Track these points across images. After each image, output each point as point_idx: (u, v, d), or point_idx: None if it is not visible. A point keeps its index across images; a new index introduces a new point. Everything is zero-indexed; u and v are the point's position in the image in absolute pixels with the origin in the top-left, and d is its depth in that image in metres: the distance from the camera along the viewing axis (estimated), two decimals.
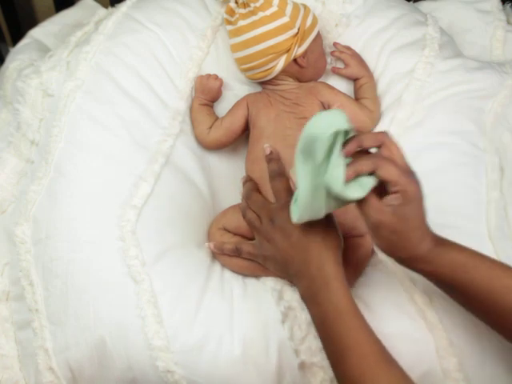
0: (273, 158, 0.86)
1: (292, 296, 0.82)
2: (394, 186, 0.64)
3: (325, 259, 0.73)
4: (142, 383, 0.80)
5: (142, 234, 0.85)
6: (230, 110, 1.01)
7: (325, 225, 0.74)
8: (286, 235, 0.76)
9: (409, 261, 0.70)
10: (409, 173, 0.66)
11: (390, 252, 0.70)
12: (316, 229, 0.74)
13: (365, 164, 0.64)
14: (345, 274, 0.73)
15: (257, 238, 0.83)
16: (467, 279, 0.68)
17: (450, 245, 0.70)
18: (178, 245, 0.87)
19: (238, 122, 0.99)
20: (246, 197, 0.87)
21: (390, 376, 0.65)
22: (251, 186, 0.90)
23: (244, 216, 0.86)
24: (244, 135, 1.00)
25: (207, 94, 1.01)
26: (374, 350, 0.67)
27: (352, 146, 0.65)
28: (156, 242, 0.85)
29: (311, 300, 0.73)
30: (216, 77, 1.02)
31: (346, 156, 0.65)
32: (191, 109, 1.01)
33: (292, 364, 0.78)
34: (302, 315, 0.79)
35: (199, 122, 1.00)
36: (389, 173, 0.64)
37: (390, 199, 0.65)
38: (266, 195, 0.90)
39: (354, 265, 0.86)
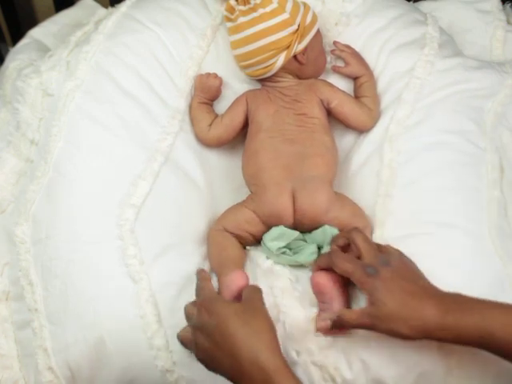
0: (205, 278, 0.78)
1: (291, 296, 0.82)
2: (357, 283, 0.74)
3: (256, 349, 0.64)
4: (141, 382, 0.80)
5: (141, 233, 0.85)
6: (230, 107, 1.01)
7: (248, 308, 0.70)
8: (206, 335, 0.68)
9: (425, 333, 0.69)
10: (373, 266, 0.73)
11: (403, 335, 0.70)
12: (237, 316, 0.67)
13: (322, 261, 0.79)
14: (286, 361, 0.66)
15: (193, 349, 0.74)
16: (496, 342, 0.67)
17: (470, 308, 0.69)
18: (177, 243, 0.87)
19: (237, 118, 0.99)
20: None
21: None
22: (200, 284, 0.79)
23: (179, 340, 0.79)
24: (243, 133, 1.00)
25: (207, 92, 1.01)
26: None
27: (331, 247, 0.81)
28: (155, 240, 0.85)
29: None
30: (216, 75, 1.02)
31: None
32: (190, 107, 1.01)
33: (292, 364, 0.78)
34: (302, 315, 0.79)
35: (199, 119, 1.00)
36: (343, 269, 0.75)
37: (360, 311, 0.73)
38: (260, 190, 0.90)
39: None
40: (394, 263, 0.75)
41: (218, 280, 0.85)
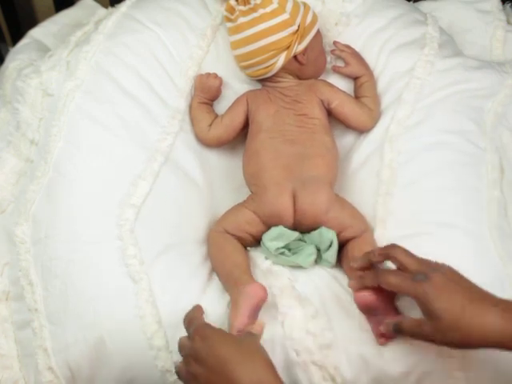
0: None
1: (290, 295, 0.82)
2: (404, 294, 0.70)
3: (258, 372, 0.63)
4: (141, 382, 0.80)
5: (141, 233, 0.85)
6: (230, 107, 1.01)
7: (243, 338, 0.68)
8: (200, 362, 0.66)
9: (486, 342, 0.64)
10: (421, 272, 0.69)
11: (463, 345, 0.66)
12: (232, 341, 0.67)
13: (366, 280, 0.75)
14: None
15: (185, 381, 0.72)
16: None
17: None
18: (177, 244, 0.87)
19: (238, 119, 0.99)
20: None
21: None
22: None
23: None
24: (243, 133, 1.00)
25: (207, 92, 1.01)
26: None
27: (362, 263, 0.77)
28: (155, 240, 0.85)
29: None
30: (216, 75, 1.02)
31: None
32: (190, 107, 1.01)
33: (292, 363, 0.78)
34: (301, 314, 0.79)
35: (199, 119, 1.00)
36: (388, 283, 0.71)
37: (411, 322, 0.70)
38: (260, 190, 0.90)
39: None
40: (444, 269, 0.70)
41: (230, 287, 0.83)
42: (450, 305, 0.65)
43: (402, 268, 0.72)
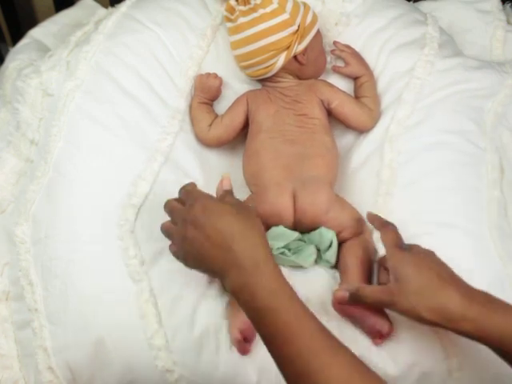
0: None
1: None
2: (387, 255, 0.75)
3: (252, 241, 0.67)
4: (141, 383, 0.80)
5: (141, 233, 0.85)
6: (230, 107, 1.01)
7: (242, 209, 0.71)
8: (198, 228, 0.69)
9: (443, 319, 0.67)
10: (407, 245, 0.76)
11: (421, 317, 0.68)
12: (232, 214, 0.69)
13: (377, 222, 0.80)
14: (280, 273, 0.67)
15: (174, 242, 0.75)
16: None
17: (495, 307, 0.67)
18: None
19: (238, 119, 0.99)
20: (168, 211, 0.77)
21: (338, 364, 0.60)
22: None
23: (162, 231, 0.77)
24: (243, 133, 1.00)
25: (207, 92, 1.01)
26: (313, 329, 0.62)
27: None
28: (155, 241, 0.85)
29: (242, 290, 0.65)
30: (216, 75, 1.02)
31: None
32: (190, 107, 1.01)
33: None
34: None
35: (199, 119, 1.00)
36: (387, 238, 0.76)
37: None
38: (261, 190, 0.90)
39: (360, 266, 0.85)
40: (428, 251, 0.75)
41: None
42: (421, 273, 0.70)
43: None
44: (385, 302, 0.72)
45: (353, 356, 0.62)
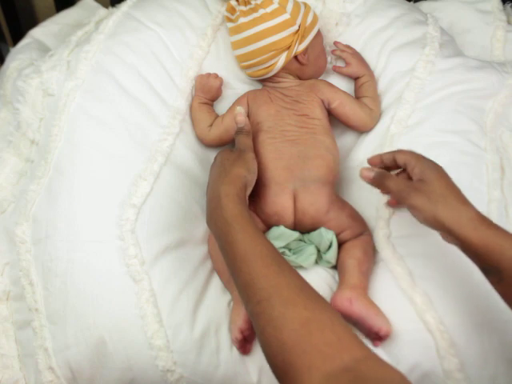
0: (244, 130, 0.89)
1: None
2: (413, 164, 0.75)
3: (220, 181, 0.78)
4: (141, 382, 0.80)
5: (142, 233, 0.85)
6: (231, 108, 1.01)
7: (238, 156, 0.83)
8: (213, 165, 0.85)
9: (453, 225, 0.70)
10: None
11: (432, 218, 0.71)
12: (227, 157, 0.83)
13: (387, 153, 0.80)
14: (246, 200, 0.77)
15: None
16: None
17: (502, 230, 0.70)
18: (178, 243, 0.87)
19: None
20: None
21: (280, 278, 0.65)
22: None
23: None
24: None
25: (207, 92, 1.01)
26: (264, 254, 0.67)
27: (373, 160, 0.81)
28: (155, 240, 0.85)
29: (210, 221, 0.76)
30: (216, 76, 1.02)
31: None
32: (191, 107, 1.01)
33: None
34: None
35: (200, 120, 1.00)
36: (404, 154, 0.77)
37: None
38: (262, 188, 0.90)
39: (359, 268, 0.85)
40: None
41: (232, 286, 0.84)
42: (441, 183, 0.73)
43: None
44: (404, 194, 0.73)
45: (299, 278, 0.67)
